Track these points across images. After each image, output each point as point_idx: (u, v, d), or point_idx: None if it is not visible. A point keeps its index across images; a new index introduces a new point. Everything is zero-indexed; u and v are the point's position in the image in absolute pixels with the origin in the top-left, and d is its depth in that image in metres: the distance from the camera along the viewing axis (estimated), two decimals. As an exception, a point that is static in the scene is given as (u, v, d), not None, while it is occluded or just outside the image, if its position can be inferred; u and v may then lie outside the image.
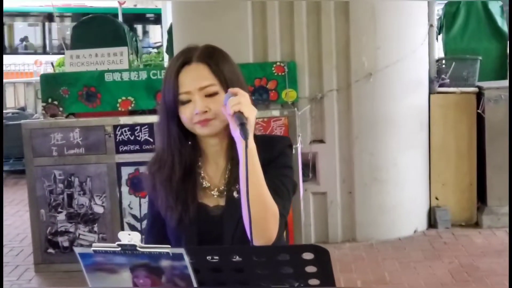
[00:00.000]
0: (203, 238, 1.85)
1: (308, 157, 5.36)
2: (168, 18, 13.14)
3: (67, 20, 19.14)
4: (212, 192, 1.90)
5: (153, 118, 4.89)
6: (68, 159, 4.96)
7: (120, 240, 1.43)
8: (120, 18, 14.31)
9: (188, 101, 1.82)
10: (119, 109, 5.17)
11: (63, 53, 7.80)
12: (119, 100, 5.16)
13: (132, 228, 4.95)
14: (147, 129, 4.91)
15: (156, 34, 20.11)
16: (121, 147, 4.93)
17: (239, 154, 1.71)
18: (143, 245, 1.41)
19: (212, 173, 1.92)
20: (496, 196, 5.61)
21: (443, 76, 5.78)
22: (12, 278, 4.99)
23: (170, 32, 8.29)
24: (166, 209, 1.88)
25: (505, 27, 7.04)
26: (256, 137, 1.74)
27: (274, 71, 5.19)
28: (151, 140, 4.89)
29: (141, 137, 4.92)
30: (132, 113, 5.19)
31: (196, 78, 1.82)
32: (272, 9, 5.35)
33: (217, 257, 1.43)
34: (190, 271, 1.43)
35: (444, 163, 5.71)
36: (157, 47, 16.42)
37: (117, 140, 4.92)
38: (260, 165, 1.72)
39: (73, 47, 8.50)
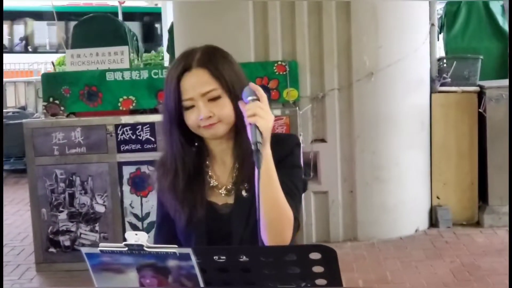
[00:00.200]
0: (213, 236, 1.86)
1: (310, 156, 5.36)
2: (168, 18, 13.16)
3: (66, 20, 19.11)
4: (220, 191, 1.90)
5: (154, 117, 4.89)
6: (70, 159, 4.95)
7: (127, 240, 1.42)
8: (120, 17, 14.29)
9: (192, 107, 1.83)
10: (121, 108, 5.16)
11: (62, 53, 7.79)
12: (121, 99, 5.15)
13: (134, 227, 4.95)
14: (148, 128, 4.91)
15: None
16: (123, 146, 4.93)
17: (256, 179, 1.69)
18: (150, 245, 1.41)
19: (220, 172, 1.92)
20: (497, 195, 5.61)
21: (444, 75, 5.77)
22: (13, 277, 4.99)
23: (171, 31, 8.28)
24: (174, 212, 1.90)
25: (506, 26, 7.03)
26: None
27: (275, 70, 5.19)
28: (153, 139, 4.89)
29: (143, 137, 4.91)
30: (133, 112, 5.19)
31: (197, 84, 1.82)
32: (274, 9, 5.35)
33: (224, 257, 1.42)
34: (197, 271, 1.42)
35: (445, 162, 5.71)
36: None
37: (119, 139, 4.92)
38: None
39: (74, 46, 8.49)
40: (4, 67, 15.34)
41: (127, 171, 4.96)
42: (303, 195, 1.95)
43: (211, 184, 1.91)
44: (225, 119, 1.82)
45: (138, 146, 4.92)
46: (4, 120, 7.87)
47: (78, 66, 5.81)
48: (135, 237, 1.42)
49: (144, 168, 4.92)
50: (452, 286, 4.46)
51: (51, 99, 5.17)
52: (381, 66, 5.32)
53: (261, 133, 1.66)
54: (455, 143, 5.70)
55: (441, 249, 5.18)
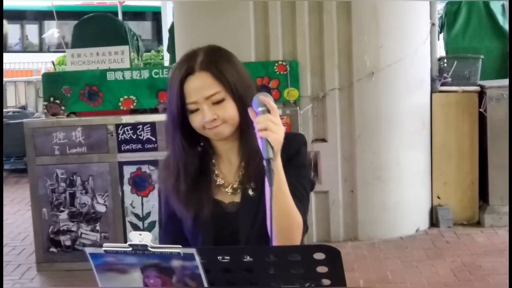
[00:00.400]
0: (219, 235, 1.86)
1: (310, 156, 5.36)
2: (168, 17, 13.14)
3: (66, 19, 19.10)
4: (226, 189, 1.91)
5: (155, 117, 4.89)
6: (70, 158, 4.95)
7: (130, 240, 1.43)
8: (120, 17, 14.27)
9: (196, 110, 1.83)
10: (121, 108, 5.16)
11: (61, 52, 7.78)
12: (121, 99, 5.15)
13: (135, 227, 4.95)
14: (149, 128, 4.91)
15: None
16: (123, 146, 4.93)
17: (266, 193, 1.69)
18: (154, 245, 1.41)
19: (226, 170, 1.93)
20: (498, 195, 5.61)
21: (445, 75, 5.77)
22: (14, 277, 4.99)
23: (171, 31, 8.27)
24: (180, 211, 1.90)
25: (506, 26, 7.03)
26: None
27: (276, 70, 5.19)
28: (153, 139, 4.89)
29: (143, 136, 4.91)
30: (134, 112, 5.19)
31: (201, 88, 1.82)
32: (274, 8, 5.35)
33: (228, 257, 1.42)
34: (201, 271, 1.42)
35: (446, 162, 5.71)
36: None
37: (119, 139, 4.92)
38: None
39: (74, 45, 8.48)
40: (17, 66, 15.43)
41: (128, 170, 4.96)
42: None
43: (217, 183, 1.92)
44: (229, 121, 1.83)
45: (139, 146, 4.92)
46: (4, 119, 7.87)
47: (79, 66, 5.80)
48: (139, 237, 1.42)
49: (145, 168, 4.92)
50: (453, 286, 4.46)
51: (51, 99, 5.17)
52: (382, 65, 5.32)
53: (272, 148, 1.66)
54: (455, 142, 5.70)
55: (441, 249, 5.18)
